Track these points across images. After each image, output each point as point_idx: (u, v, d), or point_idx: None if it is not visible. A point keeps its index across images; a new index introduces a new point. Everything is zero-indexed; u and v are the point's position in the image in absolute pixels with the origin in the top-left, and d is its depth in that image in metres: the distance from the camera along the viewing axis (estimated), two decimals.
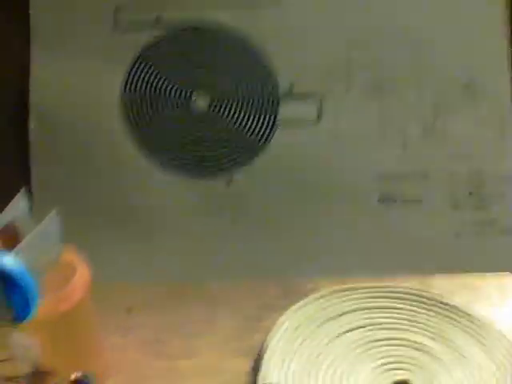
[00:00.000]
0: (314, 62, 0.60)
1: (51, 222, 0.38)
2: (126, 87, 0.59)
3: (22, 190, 0.39)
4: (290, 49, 0.60)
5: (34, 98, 0.59)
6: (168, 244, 0.59)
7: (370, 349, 0.50)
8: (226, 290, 0.57)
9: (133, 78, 0.59)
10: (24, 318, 0.36)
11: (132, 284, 0.56)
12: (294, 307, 0.52)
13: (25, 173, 0.59)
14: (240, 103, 0.60)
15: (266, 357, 0.48)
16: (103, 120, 0.59)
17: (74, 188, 0.58)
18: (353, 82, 0.60)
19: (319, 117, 0.59)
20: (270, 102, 0.59)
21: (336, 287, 0.54)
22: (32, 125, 0.59)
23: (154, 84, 0.59)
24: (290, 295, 0.56)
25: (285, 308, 0.53)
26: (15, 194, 0.58)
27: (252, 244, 0.59)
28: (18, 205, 0.38)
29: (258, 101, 0.60)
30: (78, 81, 0.59)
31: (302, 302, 0.53)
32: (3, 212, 0.38)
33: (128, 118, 0.59)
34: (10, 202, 0.58)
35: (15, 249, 0.34)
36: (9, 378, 0.42)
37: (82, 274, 0.41)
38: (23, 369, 0.46)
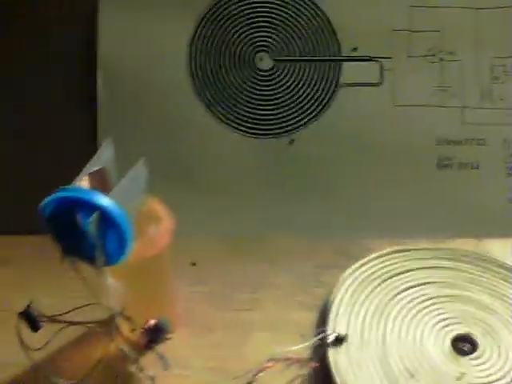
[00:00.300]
0: (377, 25, 0.60)
1: (140, 169, 0.39)
2: (192, 41, 0.60)
3: (108, 140, 0.40)
4: (354, 11, 0.60)
5: (102, 48, 0.60)
6: (229, 201, 0.60)
7: (431, 305, 0.51)
8: (287, 247, 0.58)
9: (200, 32, 0.60)
10: (117, 260, 0.37)
11: (195, 239, 0.58)
12: (356, 264, 0.53)
13: (92, 123, 0.61)
14: (304, 64, 0.60)
15: (332, 310, 0.49)
16: (168, 72, 0.60)
17: (137, 140, 0.59)
18: (414, 46, 0.60)
19: (380, 80, 0.60)
20: (333, 64, 0.60)
21: (395, 248, 0.55)
22: (99, 75, 0.60)
23: (221, 41, 0.60)
24: (348, 254, 0.57)
25: (342, 266, 0.54)
26: (82, 145, 0.60)
27: (311, 204, 0.60)
28: (106, 151, 0.39)
29: (322, 62, 0.60)
30: (145, 32, 0.60)
31: (364, 260, 0.54)
32: (94, 157, 0.39)
33: (192, 72, 0.60)
34: (77, 153, 0.60)
35: (112, 192, 0.36)
36: (83, 323, 0.44)
37: (167, 222, 0.43)
38: (104, 314, 0.47)
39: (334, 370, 0.45)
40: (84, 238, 0.35)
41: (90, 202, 0.34)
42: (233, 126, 0.60)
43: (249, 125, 0.60)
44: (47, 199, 0.34)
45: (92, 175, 0.38)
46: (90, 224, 0.34)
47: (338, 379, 0.44)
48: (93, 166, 0.38)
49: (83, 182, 0.36)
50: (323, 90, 0.60)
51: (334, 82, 0.60)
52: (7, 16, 0.61)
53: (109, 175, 0.39)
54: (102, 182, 0.38)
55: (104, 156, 0.39)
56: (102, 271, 0.37)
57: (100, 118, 0.60)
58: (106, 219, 0.35)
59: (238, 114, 0.60)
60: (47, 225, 0.36)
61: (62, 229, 0.36)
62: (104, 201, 0.34)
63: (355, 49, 0.60)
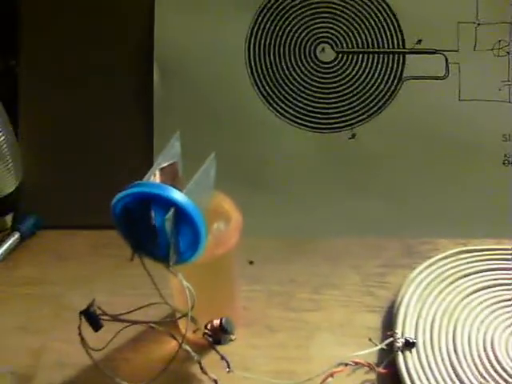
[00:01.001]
0: (442, 17, 0.58)
1: (210, 164, 0.38)
2: (251, 35, 0.58)
3: (177, 133, 0.39)
4: (419, 3, 0.58)
5: (159, 45, 0.59)
6: (290, 199, 0.58)
7: (499, 308, 0.49)
8: (350, 246, 0.57)
9: (259, 25, 0.58)
10: (190, 258, 0.36)
11: (252, 238, 0.56)
12: (422, 266, 0.51)
13: (148, 123, 0.59)
14: (367, 56, 0.58)
15: (400, 312, 0.48)
16: (227, 68, 0.59)
17: (194, 137, 0.58)
18: (481, 38, 0.58)
19: (445, 73, 0.58)
20: (397, 57, 0.58)
21: (461, 248, 0.53)
22: (156, 74, 0.59)
23: (280, 33, 0.58)
24: (411, 254, 0.56)
25: (407, 267, 0.53)
26: (138, 144, 0.59)
27: (372, 201, 0.58)
28: (175, 146, 0.38)
29: (385, 54, 0.58)
30: (202, 26, 0.59)
31: (429, 261, 0.52)
32: (163, 152, 0.38)
33: (252, 66, 0.59)
34: (132, 150, 0.60)
35: (186, 188, 0.34)
36: (146, 322, 0.43)
37: (236, 219, 0.41)
38: (167, 313, 0.47)
39: (404, 375, 0.43)
40: (157, 235, 0.34)
41: (167, 198, 0.32)
42: (292, 120, 0.59)
43: (309, 119, 0.59)
44: (121, 193, 0.33)
45: (163, 170, 0.36)
46: (167, 221, 0.32)
47: None
48: (163, 160, 0.37)
49: (156, 178, 0.35)
50: (386, 83, 0.58)
51: (397, 75, 0.58)
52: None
53: (179, 170, 0.38)
54: (172, 178, 0.37)
55: (173, 150, 0.38)
56: (173, 269, 0.36)
57: (156, 116, 0.59)
58: (181, 216, 0.33)
59: (298, 107, 0.59)
60: (118, 220, 0.35)
61: (133, 225, 0.35)
62: (180, 197, 0.33)
63: (420, 41, 0.58)
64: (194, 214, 0.33)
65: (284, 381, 0.43)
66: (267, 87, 0.59)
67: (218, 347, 0.43)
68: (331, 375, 0.42)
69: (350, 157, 0.58)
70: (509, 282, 0.51)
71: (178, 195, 0.33)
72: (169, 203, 0.33)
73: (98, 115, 0.59)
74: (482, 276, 0.51)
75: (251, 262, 0.55)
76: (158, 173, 0.36)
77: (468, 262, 0.52)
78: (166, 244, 0.34)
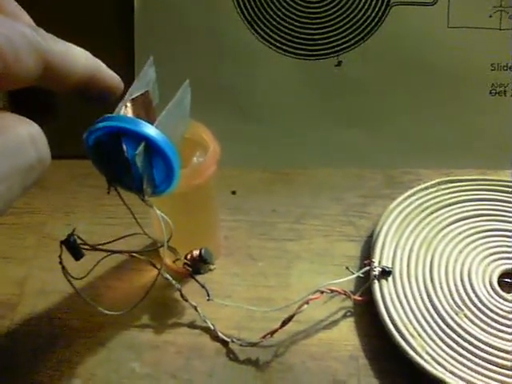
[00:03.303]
0: None
1: (185, 92, 0.36)
2: None
3: (151, 59, 0.38)
4: None
5: None
6: (273, 128, 0.57)
7: (478, 239, 0.49)
8: (330, 177, 0.56)
9: None
10: (164, 190, 0.36)
11: (234, 168, 0.56)
12: (402, 196, 0.51)
13: (130, 49, 0.58)
14: None
15: (378, 242, 0.48)
16: None
17: (175, 61, 0.56)
18: None
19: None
20: None
21: (443, 178, 0.53)
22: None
23: None
24: (393, 185, 0.56)
25: (388, 197, 0.53)
26: (120, 71, 0.58)
27: (357, 130, 0.57)
28: (149, 72, 0.37)
29: None
30: None
31: (410, 192, 0.52)
32: (136, 79, 0.36)
33: None
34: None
35: (158, 120, 0.34)
36: (126, 252, 0.43)
37: (214, 149, 0.41)
38: (147, 243, 0.47)
39: (379, 303, 0.44)
40: (130, 169, 0.34)
41: (137, 132, 0.32)
42: (277, 47, 0.57)
43: (294, 45, 0.57)
44: (91, 128, 0.32)
45: (135, 100, 0.36)
46: (137, 155, 0.32)
47: (383, 313, 0.44)
48: (136, 89, 0.36)
49: (127, 109, 0.34)
50: (373, 8, 0.55)
51: (384, 0, 0.56)
52: None
53: (152, 99, 0.37)
54: (145, 107, 0.36)
55: (147, 77, 0.37)
56: (148, 202, 0.36)
57: (137, 41, 0.57)
58: (153, 149, 0.33)
59: (283, 33, 0.56)
60: (92, 153, 0.35)
61: (107, 158, 0.34)
62: (150, 130, 0.32)
63: None
64: (165, 147, 0.33)
65: (261, 308, 0.44)
66: (251, 12, 0.56)
67: (198, 276, 0.44)
68: (307, 302, 0.43)
69: (335, 85, 0.57)
70: (490, 212, 0.51)
71: (147, 128, 0.32)
72: (139, 137, 0.32)
73: (79, 39, 0.58)
74: (464, 206, 0.51)
75: (234, 192, 0.55)
76: (129, 104, 0.35)
77: (449, 193, 0.52)
78: (139, 177, 0.34)
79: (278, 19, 0.57)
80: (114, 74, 0.31)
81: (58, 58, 0.26)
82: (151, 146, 0.33)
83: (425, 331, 0.43)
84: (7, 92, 0.30)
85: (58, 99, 0.34)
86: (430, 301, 0.45)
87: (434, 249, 0.48)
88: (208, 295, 0.44)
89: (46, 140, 0.26)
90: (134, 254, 0.44)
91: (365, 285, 0.46)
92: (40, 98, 0.32)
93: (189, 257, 0.43)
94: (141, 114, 0.36)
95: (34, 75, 0.24)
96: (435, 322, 0.43)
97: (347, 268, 0.46)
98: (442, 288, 0.46)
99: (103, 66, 0.30)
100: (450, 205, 0.51)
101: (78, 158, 0.55)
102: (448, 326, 0.43)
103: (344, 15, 0.56)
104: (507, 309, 0.44)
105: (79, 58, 0.28)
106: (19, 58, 0.23)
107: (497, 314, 0.44)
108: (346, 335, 0.45)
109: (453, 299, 0.45)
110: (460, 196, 0.52)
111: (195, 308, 0.45)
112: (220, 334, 0.44)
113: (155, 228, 0.41)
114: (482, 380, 0.40)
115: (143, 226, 0.39)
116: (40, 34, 0.25)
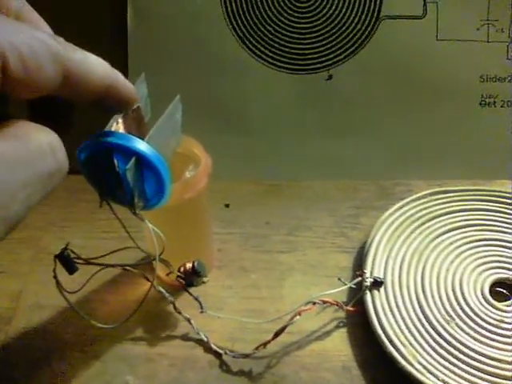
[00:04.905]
0: None
1: (176, 107, 0.37)
2: None
3: (142, 75, 0.38)
4: None
5: None
6: (264, 140, 0.58)
7: (469, 249, 0.50)
8: (325, 188, 0.57)
9: None
10: (156, 204, 0.36)
11: (228, 181, 0.57)
12: (393, 207, 0.52)
13: (123, 69, 0.58)
14: None
15: (370, 253, 0.49)
16: (202, 7, 0.57)
17: (167, 76, 0.57)
18: None
19: (423, 12, 0.56)
20: None
21: (434, 189, 0.54)
22: (130, 7, 0.58)
23: None
24: (385, 196, 0.56)
25: (380, 208, 0.53)
26: None
27: (348, 143, 0.58)
28: (140, 88, 0.38)
29: None
30: None
31: (401, 203, 0.52)
32: None
33: (227, 6, 0.57)
34: None
35: (149, 135, 0.34)
36: (119, 266, 0.44)
37: (205, 163, 0.42)
38: (140, 257, 0.47)
39: (371, 313, 0.45)
40: (122, 183, 0.34)
41: (127, 148, 0.32)
42: (268, 62, 0.58)
43: (285, 60, 0.58)
44: (83, 143, 0.33)
45: (126, 116, 0.36)
46: (128, 170, 0.33)
47: (375, 323, 0.44)
48: None
49: (119, 125, 0.35)
50: (363, 22, 0.56)
51: (374, 14, 0.56)
52: None
53: (144, 114, 0.38)
54: (137, 122, 0.37)
55: (139, 93, 0.37)
56: (139, 215, 0.36)
57: (131, 55, 0.57)
58: (144, 164, 0.33)
59: (274, 48, 0.57)
60: (84, 168, 0.35)
61: (99, 172, 0.35)
62: (141, 146, 0.33)
63: None
64: (156, 162, 0.33)
65: (254, 319, 0.45)
66: (242, 27, 0.57)
67: (192, 289, 0.45)
68: (299, 313, 0.43)
69: (326, 98, 0.58)
70: (481, 222, 0.52)
71: (138, 144, 0.33)
72: (130, 152, 0.33)
73: None
74: (455, 217, 0.52)
75: (227, 205, 0.56)
76: (121, 120, 0.35)
77: (440, 203, 0.53)
78: (131, 191, 0.35)
79: (269, 34, 0.57)
80: (131, 85, 0.32)
81: (78, 67, 0.26)
82: (142, 161, 0.33)
83: (416, 341, 0.43)
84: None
85: (73, 111, 0.34)
86: (422, 310, 0.45)
87: (426, 259, 0.49)
88: (201, 307, 0.44)
89: (64, 149, 0.27)
90: (128, 268, 0.44)
91: (357, 295, 0.46)
92: (55, 108, 0.32)
93: (182, 269, 0.44)
94: (132, 130, 0.36)
95: (54, 83, 0.25)
96: (427, 332, 0.44)
97: (339, 279, 0.47)
98: (433, 297, 0.46)
99: (121, 76, 0.30)
100: (441, 215, 0.52)
101: (73, 172, 0.55)
102: (440, 335, 0.43)
103: (334, 30, 0.57)
104: (498, 318, 0.45)
105: (97, 67, 0.28)
106: (40, 65, 0.23)
107: (488, 322, 0.44)
108: (339, 346, 0.45)
109: (444, 309, 0.45)
110: (451, 206, 0.53)
111: (188, 320, 0.45)
112: (213, 346, 0.45)
113: (148, 241, 0.42)
114: None
115: (137, 240, 0.39)
116: (60, 43, 0.25)
